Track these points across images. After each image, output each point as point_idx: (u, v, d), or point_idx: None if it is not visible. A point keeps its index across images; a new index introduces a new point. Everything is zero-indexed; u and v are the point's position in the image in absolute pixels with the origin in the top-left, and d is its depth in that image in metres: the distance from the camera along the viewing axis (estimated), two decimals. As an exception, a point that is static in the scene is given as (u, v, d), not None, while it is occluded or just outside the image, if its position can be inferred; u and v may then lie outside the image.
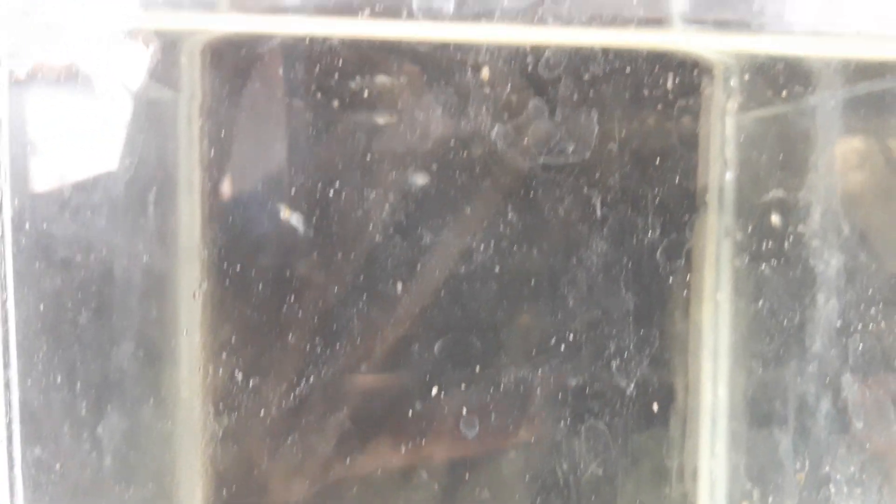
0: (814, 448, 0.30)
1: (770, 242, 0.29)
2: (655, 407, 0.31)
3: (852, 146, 0.29)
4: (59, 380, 0.23)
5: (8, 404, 0.22)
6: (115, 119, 0.25)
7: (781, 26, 0.28)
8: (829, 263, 0.29)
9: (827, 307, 0.29)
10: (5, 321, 0.22)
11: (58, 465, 0.23)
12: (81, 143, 0.24)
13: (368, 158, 0.26)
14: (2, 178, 0.23)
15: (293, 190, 0.26)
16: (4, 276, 0.22)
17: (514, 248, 0.27)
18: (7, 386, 0.22)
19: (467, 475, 0.28)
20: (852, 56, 0.29)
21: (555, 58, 0.27)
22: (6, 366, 0.22)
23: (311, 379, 0.26)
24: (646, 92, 0.28)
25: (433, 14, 0.26)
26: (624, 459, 0.32)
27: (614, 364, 0.29)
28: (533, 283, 0.28)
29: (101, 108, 0.25)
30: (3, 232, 0.22)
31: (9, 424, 0.22)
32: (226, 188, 0.26)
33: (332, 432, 0.27)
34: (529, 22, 0.26)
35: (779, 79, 0.28)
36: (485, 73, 0.27)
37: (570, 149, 0.27)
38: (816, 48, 0.29)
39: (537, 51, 0.27)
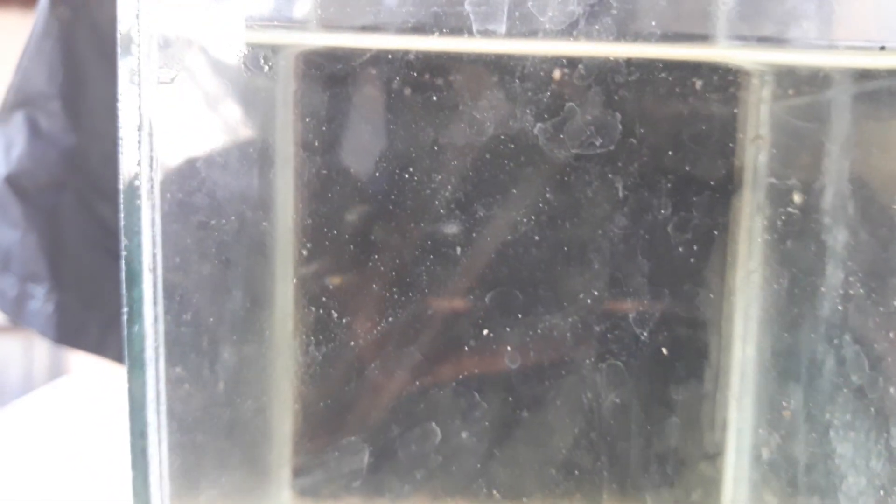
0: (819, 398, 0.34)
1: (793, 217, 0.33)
2: (693, 363, 0.35)
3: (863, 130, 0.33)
4: (190, 316, 0.29)
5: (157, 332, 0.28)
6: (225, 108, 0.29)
7: (806, 43, 0.32)
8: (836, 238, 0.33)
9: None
10: (154, 269, 0.28)
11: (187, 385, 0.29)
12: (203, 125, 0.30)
13: (436, 148, 0.30)
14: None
15: (373, 172, 0.30)
16: (154, 236, 0.28)
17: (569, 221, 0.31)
18: (156, 319, 0.28)
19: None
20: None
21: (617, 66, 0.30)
22: (155, 303, 0.28)
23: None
24: (687, 89, 0.31)
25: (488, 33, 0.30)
26: (661, 410, 0.35)
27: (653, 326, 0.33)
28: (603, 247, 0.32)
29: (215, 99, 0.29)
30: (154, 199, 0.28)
31: (157, 347, 0.28)
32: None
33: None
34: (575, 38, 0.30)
35: (806, 79, 0.32)
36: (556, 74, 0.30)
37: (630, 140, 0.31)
38: (834, 60, 0.32)
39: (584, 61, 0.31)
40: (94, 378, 0.57)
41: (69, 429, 0.48)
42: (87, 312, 0.51)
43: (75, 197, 0.50)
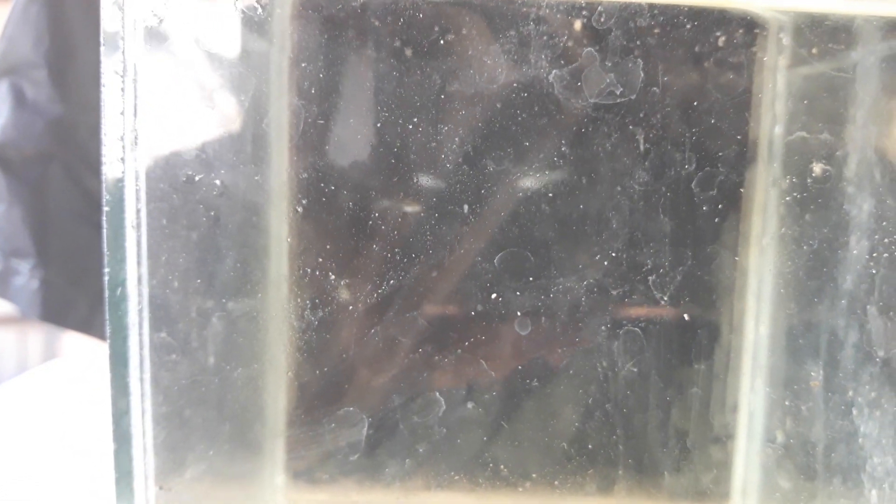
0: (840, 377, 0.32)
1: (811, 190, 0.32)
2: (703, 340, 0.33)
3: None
4: (176, 277, 0.28)
5: (140, 294, 0.27)
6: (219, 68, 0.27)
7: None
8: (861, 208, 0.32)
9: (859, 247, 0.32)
10: (139, 227, 0.27)
11: (174, 354, 0.28)
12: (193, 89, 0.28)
13: (443, 98, 0.28)
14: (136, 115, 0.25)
15: (373, 126, 0.29)
16: (138, 191, 0.27)
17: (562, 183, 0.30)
18: (140, 280, 0.27)
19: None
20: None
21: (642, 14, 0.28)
22: (139, 263, 0.27)
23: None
24: (705, 47, 0.30)
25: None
26: (671, 391, 0.34)
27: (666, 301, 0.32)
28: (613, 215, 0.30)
29: (208, 59, 0.27)
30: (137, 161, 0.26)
31: (140, 311, 0.27)
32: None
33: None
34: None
35: (827, 35, 0.31)
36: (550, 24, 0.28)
37: (619, 92, 0.29)
38: (862, 6, 0.31)
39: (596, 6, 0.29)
40: (85, 360, 0.56)
41: (57, 409, 0.47)
42: (74, 289, 0.49)
43: (62, 169, 0.49)
